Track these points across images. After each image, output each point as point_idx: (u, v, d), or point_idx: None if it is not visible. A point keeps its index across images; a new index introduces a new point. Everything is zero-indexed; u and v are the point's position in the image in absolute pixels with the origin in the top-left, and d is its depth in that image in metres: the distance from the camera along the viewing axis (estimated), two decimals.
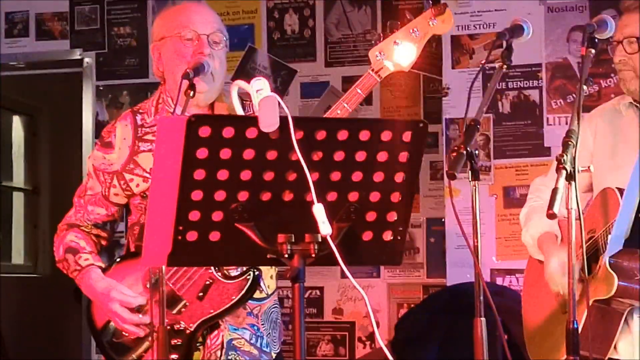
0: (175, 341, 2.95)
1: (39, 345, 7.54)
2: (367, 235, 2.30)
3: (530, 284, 3.56)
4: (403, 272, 5.84)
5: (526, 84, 5.38)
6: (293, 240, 2.18)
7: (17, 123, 8.21)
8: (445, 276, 5.50)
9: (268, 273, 3.18)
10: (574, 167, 2.43)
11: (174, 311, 2.98)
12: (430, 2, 3.11)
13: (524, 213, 3.52)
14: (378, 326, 5.73)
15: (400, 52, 2.83)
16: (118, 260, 3.20)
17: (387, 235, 2.31)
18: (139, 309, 3.00)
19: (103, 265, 3.14)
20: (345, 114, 2.93)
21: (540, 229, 3.34)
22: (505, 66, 2.64)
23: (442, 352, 4.87)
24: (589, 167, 2.90)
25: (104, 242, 3.26)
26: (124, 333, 3.06)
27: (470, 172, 2.45)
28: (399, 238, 2.33)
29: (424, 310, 5.21)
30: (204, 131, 2.10)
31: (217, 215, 2.19)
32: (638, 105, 3.29)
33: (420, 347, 4.95)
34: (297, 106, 6.01)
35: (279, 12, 6.11)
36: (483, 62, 4.95)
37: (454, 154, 2.44)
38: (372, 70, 2.87)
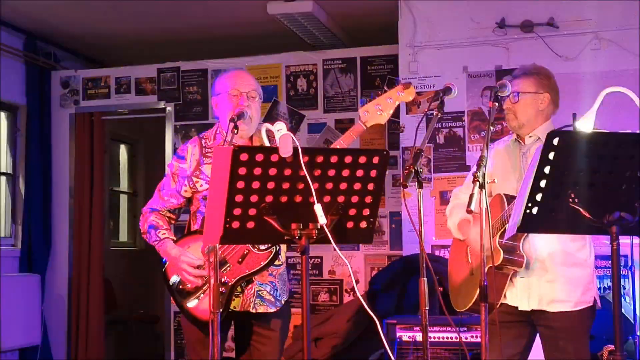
0: (221, 289, 2.87)
1: (137, 295, 7.61)
2: (350, 224, 2.37)
3: (453, 256, 3.48)
4: (374, 247, 5.89)
5: (454, 124, 5.42)
6: (301, 227, 2.26)
7: (122, 149, 8.21)
8: (402, 249, 5.51)
9: (283, 248, 3.11)
10: (484, 180, 2.48)
11: (222, 270, 2.92)
12: (401, 80, 3.34)
13: (449, 208, 3.44)
14: (357, 282, 5.83)
15: (379, 115, 2.86)
16: (183, 236, 3.13)
17: (363, 224, 2.38)
18: (198, 267, 2.97)
19: (174, 238, 3.10)
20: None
21: (459, 217, 3.29)
22: (439, 113, 2.72)
23: (399, 300, 4.87)
24: (494, 180, 2.92)
25: (173, 222, 3.19)
26: (187, 284, 3.02)
27: (416, 182, 2.56)
28: (370, 226, 2.39)
29: (388, 272, 5.20)
30: (244, 156, 2.16)
31: (252, 211, 2.23)
32: (519, 140, 3.25)
33: (385, 296, 4.94)
34: (305, 139, 6.06)
35: (294, 77, 6.18)
36: (425, 110, 4.99)
37: (406, 171, 2.54)
38: (361, 122, 2.88)
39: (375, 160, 2.31)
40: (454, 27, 5.47)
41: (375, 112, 2.84)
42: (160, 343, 6.60)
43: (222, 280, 2.95)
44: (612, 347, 2.36)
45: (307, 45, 6.33)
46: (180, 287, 3.04)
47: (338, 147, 2.92)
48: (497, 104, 2.73)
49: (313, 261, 6.00)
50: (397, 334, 4.10)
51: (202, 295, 3.01)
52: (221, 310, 2.85)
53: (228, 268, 2.98)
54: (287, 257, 3.23)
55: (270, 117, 6.13)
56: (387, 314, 4.63)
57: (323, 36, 6.20)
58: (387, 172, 6.23)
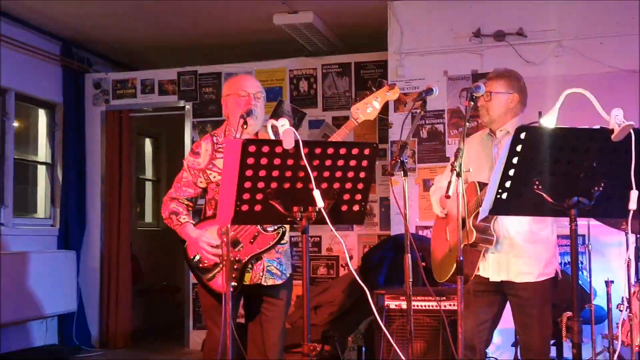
0: (235, 266, 2.93)
1: (160, 269, 7.61)
2: (344, 207, 2.38)
3: (435, 235, 3.46)
4: (366, 227, 5.89)
5: (436, 121, 5.41)
6: (302, 210, 2.27)
7: (147, 142, 8.22)
8: (390, 230, 5.49)
9: (287, 229, 3.11)
10: (460, 169, 2.48)
11: (236, 249, 2.96)
12: (388, 82, 3.24)
13: (432, 191, 3.41)
14: (351, 259, 5.82)
15: (369, 111, 2.85)
16: (201, 220, 3.12)
17: (356, 208, 2.39)
18: (216, 247, 2.97)
19: (194, 222, 3.09)
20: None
21: (440, 195, 3.23)
22: (422, 111, 2.72)
23: (388, 275, 4.83)
24: (469, 169, 2.93)
25: (191, 209, 3.16)
26: (205, 261, 3.01)
27: (402, 172, 2.56)
28: (362, 209, 2.40)
29: (377, 250, 5.12)
30: (252, 148, 2.19)
31: (259, 196, 2.24)
32: (491, 134, 3.24)
33: (376, 271, 4.88)
34: (306, 134, 6.07)
35: (296, 80, 6.17)
36: (410, 109, 4.95)
37: (393, 161, 2.54)
38: (353, 118, 2.86)
39: (367, 152, 2.32)
40: (435, 36, 5.47)
41: (365, 109, 2.83)
42: (180, 311, 6.59)
43: (237, 258, 2.97)
44: (570, 314, 2.32)
45: (308, 52, 6.32)
46: (200, 264, 3.04)
47: (334, 140, 2.91)
48: (472, 103, 2.72)
49: (313, 239, 5.99)
50: (386, 303, 4.08)
51: (219, 271, 3.01)
52: (236, 284, 2.92)
53: (241, 247, 2.99)
54: (290, 237, 3.23)
55: (276, 114, 6.11)
56: (377, 285, 4.62)
57: (322, 44, 6.21)
58: (377, 163, 6.28)
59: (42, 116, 6.47)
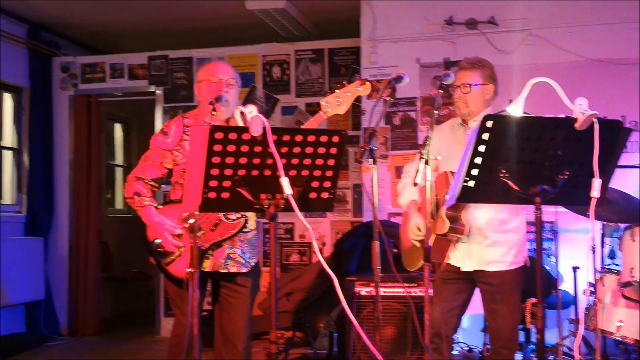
0: (194, 253, 2.78)
1: (131, 255, 7.41)
2: (313, 195, 2.36)
3: (405, 222, 3.41)
4: (339, 214, 5.90)
5: (408, 108, 5.43)
6: (270, 197, 2.25)
7: (118, 128, 8.08)
8: (362, 216, 5.55)
9: (252, 217, 3.09)
10: (428, 157, 2.48)
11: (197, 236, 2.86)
12: (359, 76, 3.19)
13: (400, 186, 3.39)
14: (324, 245, 5.84)
15: (338, 106, 2.79)
16: (164, 204, 3.10)
17: (324, 195, 2.37)
18: (178, 236, 2.98)
19: (156, 205, 3.05)
20: None
21: (408, 198, 3.26)
22: (391, 98, 2.69)
23: (360, 260, 4.88)
24: (436, 157, 3.07)
25: (155, 190, 3.13)
26: (165, 246, 3.00)
27: (371, 159, 2.52)
28: (331, 196, 2.38)
29: (350, 236, 5.17)
30: (219, 135, 2.16)
31: (226, 183, 2.22)
32: (463, 124, 3.25)
33: (348, 257, 4.92)
34: (279, 120, 6.04)
35: (269, 66, 6.14)
36: (380, 96, 5.14)
37: (361, 149, 2.53)
38: (322, 112, 2.81)
39: (335, 139, 2.31)
40: (408, 24, 5.49)
41: (335, 103, 2.81)
42: (151, 298, 6.59)
43: (197, 244, 2.92)
44: (534, 300, 2.41)
45: (281, 38, 6.29)
46: (160, 248, 3.02)
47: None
48: (441, 91, 2.71)
49: (286, 226, 6.00)
50: (356, 289, 4.09)
51: (178, 255, 3.00)
52: (194, 270, 2.81)
53: (202, 234, 2.97)
54: (263, 223, 3.22)
55: (248, 100, 6.06)
56: (349, 272, 4.64)
57: (295, 30, 6.18)
58: (350, 150, 6.29)
59: (7, 100, 6.36)
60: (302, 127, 2.90)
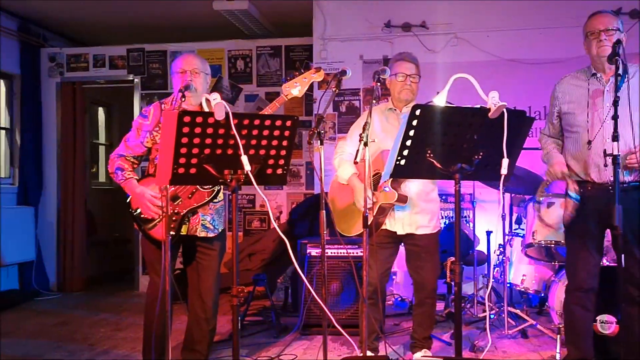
0: (174, 218, 2.88)
1: (113, 222, 7.31)
2: (269, 171, 2.36)
3: (333, 190, 3.37)
4: (294, 187, 5.88)
5: (353, 98, 5.46)
6: (232, 173, 2.25)
7: (101, 111, 7.87)
8: (314, 189, 5.65)
9: (221, 189, 3.04)
10: (367, 140, 2.50)
11: (175, 203, 2.91)
12: (313, 64, 3.17)
13: (337, 162, 3.31)
14: (281, 213, 5.83)
15: (297, 89, 2.78)
16: (143, 177, 3.03)
17: (279, 171, 2.37)
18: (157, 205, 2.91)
19: (137, 178, 3.00)
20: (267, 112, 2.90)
21: (349, 172, 3.22)
22: (337, 89, 2.69)
23: (311, 227, 4.88)
24: (374, 140, 3.08)
25: (135, 166, 3.07)
26: (146, 213, 2.95)
27: (319, 141, 2.53)
28: (284, 172, 2.38)
29: (303, 205, 5.19)
30: (187, 119, 2.15)
31: (194, 160, 2.21)
32: (394, 109, 3.23)
33: (301, 223, 4.95)
34: (243, 107, 5.96)
35: (234, 59, 6.05)
36: (328, 87, 4.92)
37: (311, 132, 2.53)
38: (284, 95, 2.80)
39: (288, 123, 2.32)
40: (353, 26, 5.48)
41: (294, 86, 2.80)
42: (131, 259, 6.49)
43: (175, 210, 2.92)
44: (453, 258, 2.43)
45: (244, 35, 6.21)
46: (142, 215, 2.98)
47: (266, 113, 2.86)
48: (379, 84, 2.73)
49: (248, 197, 5.97)
50: (308, 251, 4.10)
51: (159, 221, 2.96)
52: (174, 233, 2.87)
53: (180, 202, 2.94)
54: (228, 195, 3.20)
55: (215, 89, 5.97)
56: (302, 235, 4.64)
57: (257, 28, 6.11)
58: (303, 133, 6.22)
59: (1, 86, 6.15)
60: (267, 108, 2.90)
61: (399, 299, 5.08)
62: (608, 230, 2.90)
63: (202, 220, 3.05)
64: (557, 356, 3.42)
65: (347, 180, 3.22)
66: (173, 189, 2.90)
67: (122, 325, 4.61)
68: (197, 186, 2.93)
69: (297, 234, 4.77)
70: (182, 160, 2.19)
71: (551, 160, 2.96)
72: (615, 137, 2.47)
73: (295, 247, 4.16)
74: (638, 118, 2.73)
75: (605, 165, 2.74)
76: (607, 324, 3.16)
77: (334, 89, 2.70)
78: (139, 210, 2.97)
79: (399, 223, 3.22)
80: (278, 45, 6.07)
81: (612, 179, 2.71)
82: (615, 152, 2.46)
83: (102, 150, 7.98)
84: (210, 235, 3.08)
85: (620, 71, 2.57)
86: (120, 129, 7.82)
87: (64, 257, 6.26)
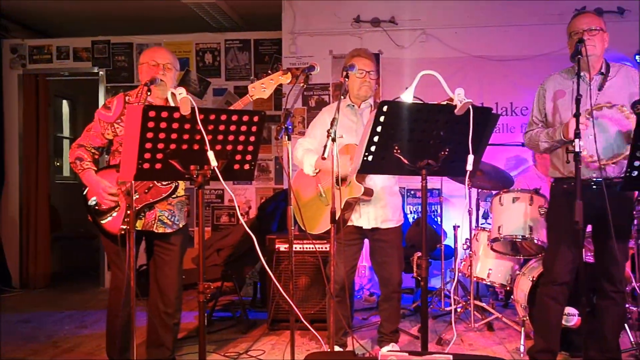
0: (129, 212, 2.75)
1: (79, 218, 7.19)
2: (236, 166, 2.32)
3: (298, 181, 3.33)
4: (263, 182, 5.84)
5: (322, 92, 5.47)
6: (198, 168, 2.22)
7: (65, 104, 7.74)
8: (283, 184, 5.52)
9: (181, 185, 3.06)
10: (335, 136, 2.49)
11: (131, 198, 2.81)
12: (281, 66, 3.10)
13: (300, 154, 3.26)
14: (250, 208, 5.77)
15: (263, 91, 2.73)
16: (103, 168, 2.99)
17: (246, 166, 2.34)
18: (112, 195, 2.88)
19: (95, 169, 2.95)
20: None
21: (314, 158, 3.18)
22: (305, 84, 2.67)
23: (280, 222, 4.87)
24: (342, 135, 3.10)
25: (96, 157, 3.01)
26: (102, 205, 2.90)
27: (286, 136, 2.49)
28: (252, 168, 2.35)
29: (271, 201, 5.15)
30: (152, 113, 2.11)
31: (159, 156, 2.17)
32: (352, 105, 3.22)
33: (270, 218, 4.90)
34: (211, 101, 5.90)
35: (202, 52, 5.99)
36: (296, 82, 5.08)
37: (278, 127, 2.48)
38: (249, 95, 2.77)
39: (256, 119, 2.30)
40: (323, 20, 5.47)
41: (260, 89, 2.78)
42: (96, 255, 6.39)
43: (130, 205, 2.85)
44: (420, 253, 2.45)
45: (213, 28, 6.16)
46: (97, 207, 2.93)
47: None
48: (347, 80, 2.74)
49: (216, 192, 5.92)
50: (276, 246, 4.09)
51: (114, 214, 2.92)
52: (127, 227, 2.77)
53: (136, 196, 2.92)
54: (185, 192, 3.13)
55: (183, 82, 5.93)
56: (270, 231, 4.63)
57: (225, 21, 6.06)
58: (272, 127, 6.20)
59: None
60: (231, 107, 2.80)
61: (369, 294, 5.10)
62: (589, 225, 2.94)
63: (160, 215, 3.02)
64: (522, 348, 3.48)
65: (315, 164, 3.18)
66: (130, 183, 2.86)
67: (87, 322, 4.53)
68: (155, 182, 2.91)
69: (266, 229, 4.74)
70: (147, 156, 2.16)
71: (558, 128, 2.85)
72: (577, 135, 2.51)
73: (264, 242, 4.14)
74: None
75: (568, 162, 2.78)
76: (570, 317, 3.24)
77: (302, 84, 2.70)
78: (94, 202, 2.93)
79: (364, 217, 3.23)
80: (247, 39, 6.03)
81: (593, 175, 2.77)
82: (577, 149, 2.51)
83: (66, 144, 7.83)
84: (169, 231, 3.04)
85: (603, 69, 2.55)
86: (85, 123, 7.49)
87: (26, 253, 6.14)
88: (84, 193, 2.98)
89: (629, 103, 2.80)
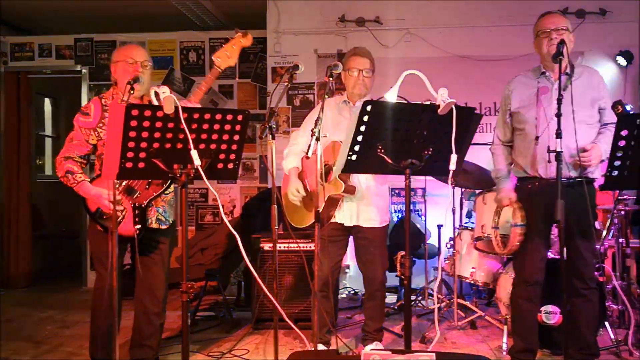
0: (137, 212, 2.85)
1: (61, 216, 7.12)
2: (220, 165, 2.32)
3: (285, 183, 3.33)
4: (247, 181, 5.82)
5: (307, 91, 5.46)
6: (182, 167, 2.21)
7: (47, 102, 7.71)
8: (267, 183, 5.53)
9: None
10: (319, 135, 2.48)
11: (133, 196, 2.87)
12: (238, 29, 3.07)
13: (286, 152, 3.33)
14: (234, 207, 5.77)
15: (229, 58, 2.78)
16: (96, 177, 2.94)
17: (230, 166, 2.34)
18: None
19: (89, 179, 2.92)
20: (203, 87, 2.83)
21: (292, 165, 3.26)
22: (289, 83, 2.68)
23: (264, 221, 4.70)
24: (326, 134, 3.11)
25: (84, 166, 2.99)
26: (109, 214, 2.85)
27: (270, 135, 2.51)
28: (236, 167, 2.35)
29: (256, 200, 5.20)
30: (135, 112, 2.09)
31: (142, 155, 2.17)
32: (348, 102, 3.27)
33: (254, 218, 4.91)
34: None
35: (186, 51, 5.97)
36: (280, 81, 4.86)
37: (262, 126, 2.51)
38: (216, 66, 2.80)
39: (239, 118, 2.29)
40: (307, 19, 5.48)
41: (225, 57, 2.73)
42: (79, 254, 6.32)
43: (137, 204, 2.88)
44: (403, 252, 2.46)
45: (197, 26, 6.12)
46: (104, 217, 2.90)
47: (201, 87, 2.82)
48: (331, 79, 2.73)
49: (201, 191, 5.89)
50: (261, 245, 4.08)
51: (122, 217, 2.90)
52: (140, 226, 2.84)
53: (138, 194, 2.89)
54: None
55: (167, 81, 5.88)
56: (255, 230, 4.60)
57: (209, 20, 6.02)
58: (257, 126, 6.20)
59: None
60: (201, 84, 2.85)
61: (352, 292, 5.11)
62: (554, 225, 2.96)
63: (157, 212, 3.03)
64: (504, 346, 3.51)
65: (287, 171, 3.23)
66: (127, 182, 2.85)
67: (68, 322, 4.49)
68: None
69: (251, 228, 4.72)
70: (130, 155, 2.15)
71: (499, 186, 3.03)
72: (558, 134, 2.54)
73: (249, 241, 4.12)
74: (586, 116, 2.82)
75: (549, 162, 2.81)
76: (551, 314, 3.28)
77: (286, 83, 2.69)
78: (99, 211, 2.90)
79: (346, 214, 3.24)
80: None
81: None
82: (559, 149, 2.53)
83: (48, 142, 7.78)
84: (163, 227, 3.05)
85: (568, 70, 2.61)
86: (67, 121, 7.52)
87: (7, 252, 6.06)
88: (84, 204, 2.94)
89: (591, 106, 2.86)
